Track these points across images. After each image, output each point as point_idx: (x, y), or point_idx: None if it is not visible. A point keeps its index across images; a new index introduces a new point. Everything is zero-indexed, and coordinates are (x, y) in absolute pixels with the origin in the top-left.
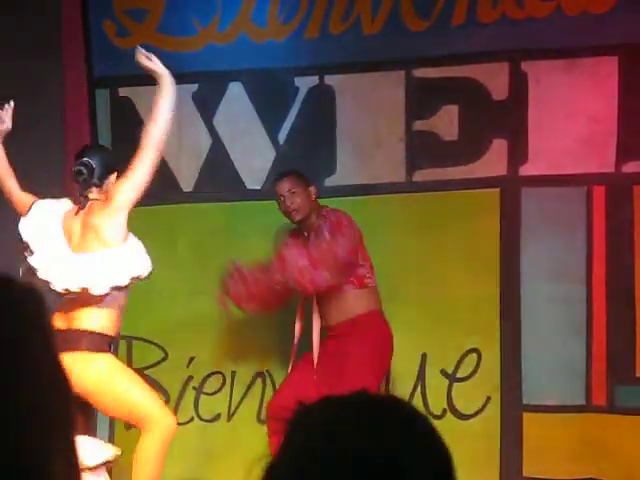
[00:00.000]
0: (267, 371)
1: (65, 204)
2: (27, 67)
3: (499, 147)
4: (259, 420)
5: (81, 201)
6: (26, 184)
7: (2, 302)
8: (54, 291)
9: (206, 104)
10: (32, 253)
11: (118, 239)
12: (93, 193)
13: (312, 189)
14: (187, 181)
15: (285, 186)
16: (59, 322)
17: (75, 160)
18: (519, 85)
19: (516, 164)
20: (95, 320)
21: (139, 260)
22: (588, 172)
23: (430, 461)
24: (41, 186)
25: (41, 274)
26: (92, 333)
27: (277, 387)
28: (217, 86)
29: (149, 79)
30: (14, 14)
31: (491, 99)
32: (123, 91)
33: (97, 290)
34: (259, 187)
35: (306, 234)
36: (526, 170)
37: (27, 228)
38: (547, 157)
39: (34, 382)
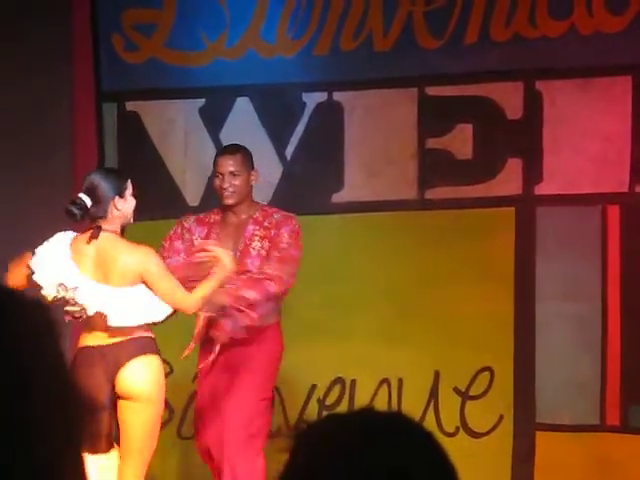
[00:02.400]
0: (274, 386)
1: (63, 238)
2: (37, 80)
3: (514, 166)
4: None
5: (94, 231)
6: (34, 195)
7: (12, 316)
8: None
9: (213, 119)
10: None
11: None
12: (100, 222)
13: (254, 173)
14: (193, 196)
15: (228, 164)
16: (102, 338)
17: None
18: (534, 104)
19: (531, 183)
20: (137, 328)
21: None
22: (603, 191)
23: (435, 476)
24: (49, 197)
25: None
26: (142, 337)
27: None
28: (224, 101)
29: (156, 94)
30: (25, 28)
31: (506, 118)
32: (130, 105)
33: (114, 322)
34: (266, 202)
35: (233, 217)
36: (541, 189)
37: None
38: (562, 176)
39: (46, 396)
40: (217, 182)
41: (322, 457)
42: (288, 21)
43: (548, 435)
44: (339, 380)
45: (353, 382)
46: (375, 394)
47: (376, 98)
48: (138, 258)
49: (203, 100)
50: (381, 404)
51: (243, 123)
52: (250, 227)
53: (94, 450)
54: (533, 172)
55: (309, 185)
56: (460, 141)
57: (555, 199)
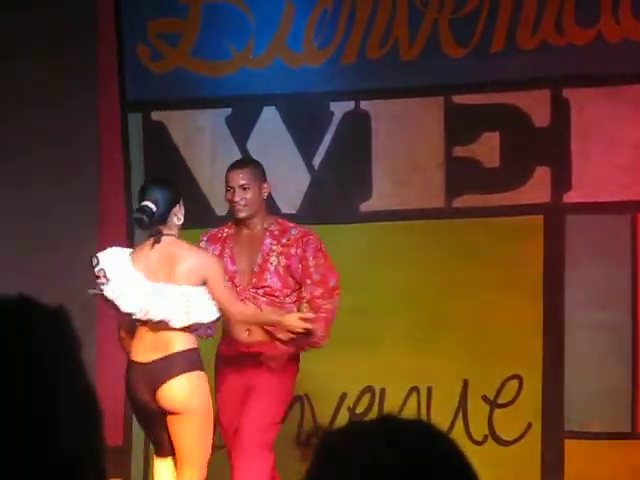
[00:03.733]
0: (305, 395)
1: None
2: (61, 89)
3: (542, 174)
4: (298, 443)
5: (156, 236)
6: (59, 205)
7: (34, 322)
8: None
9: (240, 128)
10: (108, 280)
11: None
12: (161, 229)
13: (266, 185)
14: (221, 205)
15: (238, 178)
16: (148, 354)
17: (138, 196)
18: (561, 112)
19: (560, 191)
20: (184, 339)
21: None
22: (632, 199)
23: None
24: (75, 207)
25: (121, 305)
26: (186, 351)
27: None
28: (251, 110)
29: (182, 103)
30: (50, 38)
31: (533, 126)
32: (156, 115)
33: (177, 323)
34: (294, 211)
35: (247, 230)
36: (570, 197)
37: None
38: (591, 184)
39: (66, 398)
40: (228, 196)
41: (343, 461)
42: (314, 30)
43: (577, 443)
44: (369, 389)
45: (382, 391)
46: (404, 402)
47: (403, 107)
48: (204, 261)
49: (230, 109)
50: (410, 412)
51: (270, 132)
52: (267, 241)
53: (159, 454)
54: (562, 180)
55: (337, 194)
56: (487, 149)
57: (584, 207)
